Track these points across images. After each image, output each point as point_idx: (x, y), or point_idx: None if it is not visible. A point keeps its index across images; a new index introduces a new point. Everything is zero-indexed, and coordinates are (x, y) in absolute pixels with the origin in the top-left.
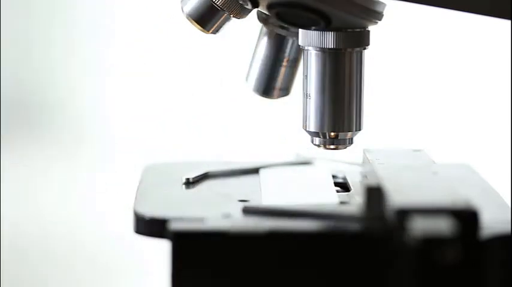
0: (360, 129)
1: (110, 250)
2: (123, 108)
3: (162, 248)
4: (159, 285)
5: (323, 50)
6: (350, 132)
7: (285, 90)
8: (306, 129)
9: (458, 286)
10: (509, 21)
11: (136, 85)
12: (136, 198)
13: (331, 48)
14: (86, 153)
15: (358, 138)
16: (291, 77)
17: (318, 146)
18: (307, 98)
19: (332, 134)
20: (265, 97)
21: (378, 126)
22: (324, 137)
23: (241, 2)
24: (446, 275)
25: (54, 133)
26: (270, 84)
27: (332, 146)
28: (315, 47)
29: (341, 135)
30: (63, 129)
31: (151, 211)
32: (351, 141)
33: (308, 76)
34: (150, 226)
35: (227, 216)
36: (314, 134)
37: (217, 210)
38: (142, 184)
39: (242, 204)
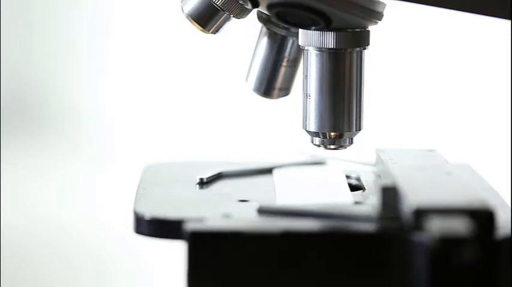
0: (360, 129)
1: (110, 250)
2: (122, 108)
3: (162, 248)
4: (159, 285)
5: (323, 50)
6: (350, 132)
7: (285, 90)
8: (306, 130)
9: (475, 286)
10: (509, 21)
11: (136, 85)
12: (136, 198)
13: (331, 48)
14: (86, 153)
15: (358, 138)
16: (291, 77)
17: (318, 146)
18: (307, 98)
19: (332, 134)
20: (265, 97)
21: (377, 127)
22: (324, 137)
23: (241, 2)
24: (463, 275)
25: (54, 133)
26: (270, 84)
27: (332, 146)
28: (315, 47)
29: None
30: (63, 129)
31: (151, 211)
32: (351, 141)
33: (308, 76)
34: (150, 226)
35: (227, 216)
36: (314, 134)
37: (217, 210)
38: (142, 184)
39: (242, 204)
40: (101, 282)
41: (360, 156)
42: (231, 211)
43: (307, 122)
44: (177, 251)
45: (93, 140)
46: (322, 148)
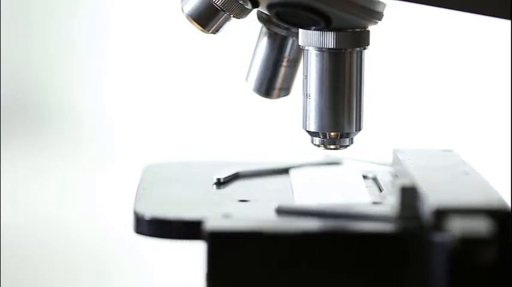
0: (360, 129)
1: (110, 250)
2: (122, 108)
3: (162, 248)
4: (159, 285)
5: (323, 50)
6: (350, 132)
7: (285, 90)
8: (306, 130)
9: (495, 285)
10: (509, 21)
11: (136, 85)
12: (136, 198)
13: (331, 48)
14: (86, 153)
15: (359, 138)
16: (291, 77)
17: (318, 146)
18: (307, 98)
19: (332, 134)
20: (265, 97)
21: (377, 127)
22: (324, 137)
23: (241, 2)
24: (483, 276)
25: (54, 133)
26: (270, 84)
27: (332, 146)
28: (315, 47)
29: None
30: (63, 129)
31: (151, 211)
32: (351, 141)
33: (308, 76)
34: (150, 226)
35: (227, 216)
36: (314, 134)
37: (217, 210)
38: (142, 184)
39: (242, 204)
40: (101, 282)
41: (370, 156)
42: (231, 211)
43: (307, 122)
44: (177, 251)
45: (93, 140)
46: (322, 148)
